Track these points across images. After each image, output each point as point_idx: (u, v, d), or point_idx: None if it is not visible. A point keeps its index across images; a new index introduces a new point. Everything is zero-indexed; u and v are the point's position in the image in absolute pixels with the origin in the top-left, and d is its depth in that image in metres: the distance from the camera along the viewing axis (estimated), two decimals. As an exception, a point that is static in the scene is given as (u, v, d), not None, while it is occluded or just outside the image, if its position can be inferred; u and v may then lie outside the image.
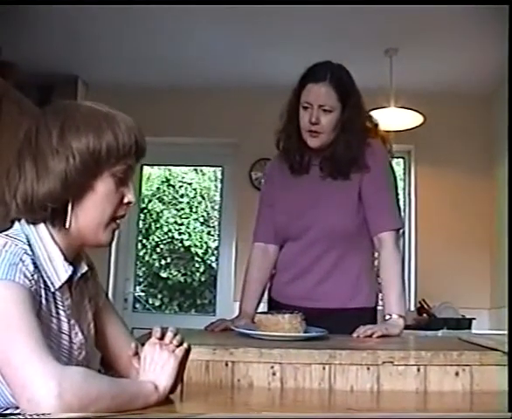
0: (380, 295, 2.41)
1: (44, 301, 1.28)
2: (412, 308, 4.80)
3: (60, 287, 1.33)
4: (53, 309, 1.31)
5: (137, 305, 5.57)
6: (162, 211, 5.91)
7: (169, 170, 5.99)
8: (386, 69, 4.32)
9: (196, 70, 4.82)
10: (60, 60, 4.66)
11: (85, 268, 1.43)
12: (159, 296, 5.78)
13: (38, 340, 1.15)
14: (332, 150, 2.36)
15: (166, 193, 5.98)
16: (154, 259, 5.79)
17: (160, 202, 5.94)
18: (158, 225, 5.85)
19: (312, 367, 1.63)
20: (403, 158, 5.39)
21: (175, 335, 1.34)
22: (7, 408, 1.23)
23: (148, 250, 5.82)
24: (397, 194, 2.47)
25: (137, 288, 5.60)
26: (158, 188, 5.97)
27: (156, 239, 5.79)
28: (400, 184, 5.28)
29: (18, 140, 1.35)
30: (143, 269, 5.76)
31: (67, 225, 1.32)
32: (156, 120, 5.05)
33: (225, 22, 4.01)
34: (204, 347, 1.59)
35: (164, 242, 5.83)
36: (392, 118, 4.37)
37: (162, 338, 1.33)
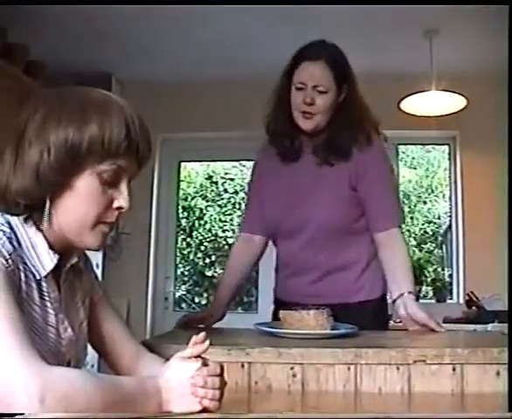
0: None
1: (24, 286, 1.15)
2: (461, 301, 4.61)
3: (45, 277, 1.21)
4: (37, 297, 1.19)
5: (183, 305, 5.52)
6: (206, 208, 5.86)
7: (212, 166, 5.93)
8: (426, 51, 4.12)
9: (231, 63, 4.71)
10: (92, 58, 4.62)
11: (74, 259, 1.30)
12: (205, 294, 5.73)
13: (20, 334, 1.03)
14: (329, 132, 2.21)
15: (209, 190, 5.93)
16: (198, 258, 5.73)
17: (203, 199, 5.89)
18: (202, 222, 5.79)
19: (335, 367, 1.50)
20: (447, 144, 5.18)
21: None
22: None
23: (193, 249, 5.76)
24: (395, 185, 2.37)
25: (182, 287, 5.55)
26: (201, 185, 5.92)
27: (200, 237, 5.74)
28: (445, 172, 5.10)
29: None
30: (188, 268, 5.71)
31: (45, 226, 1.20)
32: (193, 116, 5.02)
33: (265, 7, 3.89)
34: (217, 348, 1.48)
35: (208, 240, 5.77)
36: (434, 102, 4.20)
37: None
